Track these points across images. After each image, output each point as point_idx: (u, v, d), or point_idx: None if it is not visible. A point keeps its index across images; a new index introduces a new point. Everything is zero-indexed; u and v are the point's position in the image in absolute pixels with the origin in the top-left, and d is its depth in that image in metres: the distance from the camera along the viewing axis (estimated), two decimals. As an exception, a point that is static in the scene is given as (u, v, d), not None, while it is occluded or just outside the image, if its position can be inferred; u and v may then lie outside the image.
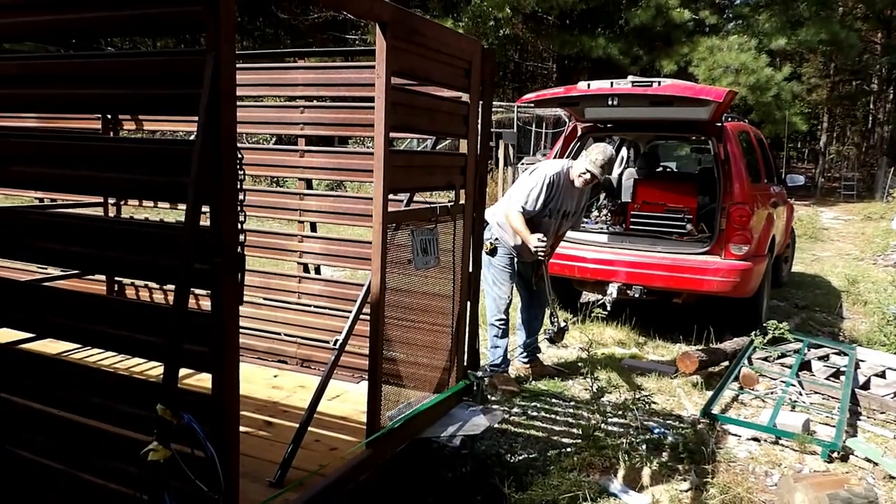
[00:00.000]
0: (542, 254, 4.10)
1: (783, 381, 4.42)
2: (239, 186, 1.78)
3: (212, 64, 1.64)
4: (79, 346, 3.24)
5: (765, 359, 4.86)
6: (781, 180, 7.36)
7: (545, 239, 4.06)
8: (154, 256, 1.83)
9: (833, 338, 5.80)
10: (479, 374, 3.39)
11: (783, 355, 4.90)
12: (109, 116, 3.91)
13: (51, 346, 3.03)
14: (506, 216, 4.16)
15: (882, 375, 4.59)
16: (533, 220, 4.16)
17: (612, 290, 5.34)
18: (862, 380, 4.47)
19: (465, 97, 2.99)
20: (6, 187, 4.08)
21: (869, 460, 3.45)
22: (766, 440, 3.67)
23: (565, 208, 4.26)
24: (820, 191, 25.85)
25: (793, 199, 8.50)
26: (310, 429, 2.60)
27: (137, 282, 4.10)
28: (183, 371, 1.77)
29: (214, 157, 1.67)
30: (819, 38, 21.67)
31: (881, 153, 28.17)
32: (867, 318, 6.51)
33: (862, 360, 4.79)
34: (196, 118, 1.66)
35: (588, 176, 4.09)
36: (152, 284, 4.07)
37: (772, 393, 4.34)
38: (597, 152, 4.07)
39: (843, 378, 4.42)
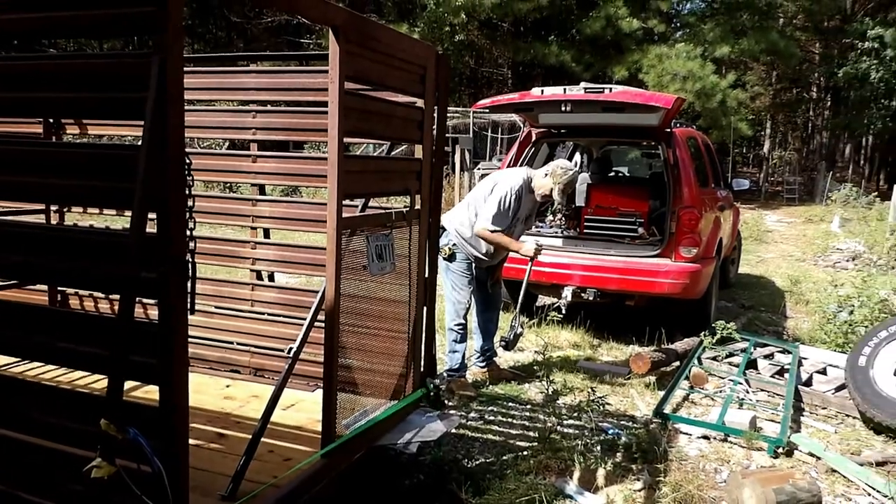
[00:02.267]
0: (535, 253, 4.24)
1: (731, 380, 4.56)
2: (188, 192, 1.74)
3: (158, 67, 1.60)
4: (18, 359, 3.11)
5: (714, 358, 4.99)
6: (728, 184, 7.59)
7: (535, 244, 4.23)
8: (98, 265, 1.77)
9: (777, 336, 6.01)
10: (437, 380, 3.39)
11: (731, 354, 5.05)
12: (52, 120, 3.78)
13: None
14: (490, 239, 4.19)
15: (823, 372, 4.78)
16: None
17: (567, 293, 5.41)
18: (805, 377, 4.63)
19: (420, 102, 2.99)
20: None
21: (812, 455, 3.58)
22: (715, 438, 3.77)
23: (523, 216, 4.33)
24: (764, 194, 26.77)
25: (739, 203, 8.79)
26: (263, 439, 2.55)
27: (82, 291, 3.96)
28: (132, 384, 1.71)
29: (161, 163, 1.63)
30: (760, 48, 22.57)
31: (820, 158, 29.39)
32: (809, 316, 6.77)
33: (805, 358, 4.97)
34: (142, 122, 1.62)
35: (549, 195, 4.23)
36: (98, 294, 3.94)
37: (721, 391, 4.46)
38: (563, 175, 4.17)
39: (787, 376, 4.58)
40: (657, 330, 5.46)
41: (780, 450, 3.58)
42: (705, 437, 3.79)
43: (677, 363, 4.90)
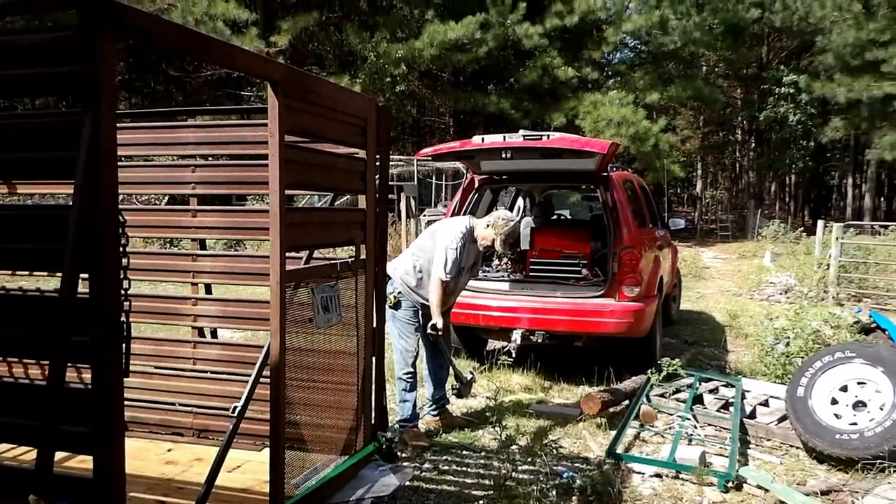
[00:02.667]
0: (432, 337, 4.24)
1: (679, 416, 4.63)
2: (122, 251, 1.69)
3: (90, 124, 1.57)
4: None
5: (661, 395, 5.07)
6: (665, 224, 7.86)
7: (440, 327, 4.18)
8: (26, 330, 1.69)
9: (721, 371, 6.16)
10: (389, 433, 3.33)
11: (678, 390, 5.14)
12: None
13: None
14: (415, 279, 4.20)
15: (766, 404, 4.91)
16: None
17: (517, 336, 5.44)
18: (748, 409, 4.75)
19: (363, 153, 3.02)
20: None
21: (761, 487, 3.65)
22: (667, 475, 3.81)
23: (467, 264, 4.36)
24: (699, 232, 27.85)
25: (676, 241, 9.10)
26: (208, 505, 2.43)
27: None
28: (64, 454, 1.62)
29: (93, 222, 1.58)
30: (687, 94, 23.91)
31: (749, 196, 30.92)
32: (749, 349, 6.98)
33: (747, 391, 5.11)
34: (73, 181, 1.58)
35: (492, 245, 4.28)
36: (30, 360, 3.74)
37: (670, 428, 4.52)
38: (505, 226, 4.22)
39: (732, 409, 4.68)
40: (606, 369, 5.52)
41: (730, 484, 3.64)
42: (657, 476, 3.81)
43: (626, 402, 4.96)
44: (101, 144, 1.57)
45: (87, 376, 1.66)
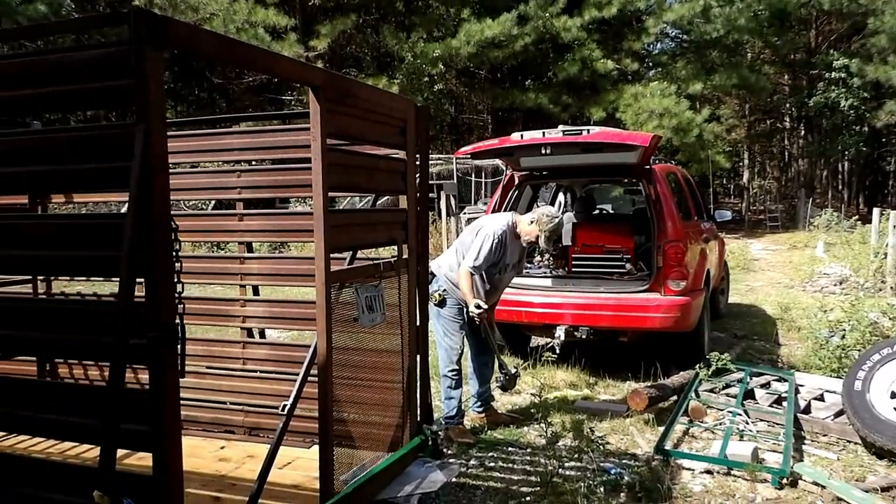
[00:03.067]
0: (478, 319, 4.19)
1: (730, 412, 4.53)
2: (175, 256, 1.75)
3: (142, 136, 1.64)
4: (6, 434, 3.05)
5: (711, 390, 4.97)
6: (711, 216, 7.69)
7: (484, 305, 4.16)
8: (87, 335, 1.77)
9: (772, 365, 6.00)
10: (434, 428, 3.35)
11: (728, 385, 5.04)
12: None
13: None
14: (458, 275, 4.21)
15: (821, 399, 4.77)
16: (483, 277, 4.25)
17: (560, 332, 5.41)
18: (803, 404, 4.62)
19: (402, 154, 3.05)
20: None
21: (817, 484, 3.55)
22: (718, 472, 3.73)
23: (511, 261, 4.36)
24: (747, 224, 27.12)
25: (723, 233, 8.89)
26: (261, 500, 2.50)
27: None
28: (123, 451, 1.69)
29: (147, 229, 1.65)
30: (731, 83, 23.28)
31: (799, 185, 29.95)
32: (802, 343, 6.78)
33: (801, 385, 4.97)
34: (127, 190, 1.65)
35: (535, 241, 4.25)
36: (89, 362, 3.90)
37: (720, 424, 4.43)
38: (549, 223, 4.18)
39: (785, 404, 4.56)
40: (652, 365, 5.45)
41: (785, 480, 3.55)
42: (708, 472, 3.75)
43: (674, 397, 4.88)
44: (152, 155, 1.64)
45: (146, 377, 1.73)
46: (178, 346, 1.73)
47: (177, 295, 1.75)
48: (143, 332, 1.65)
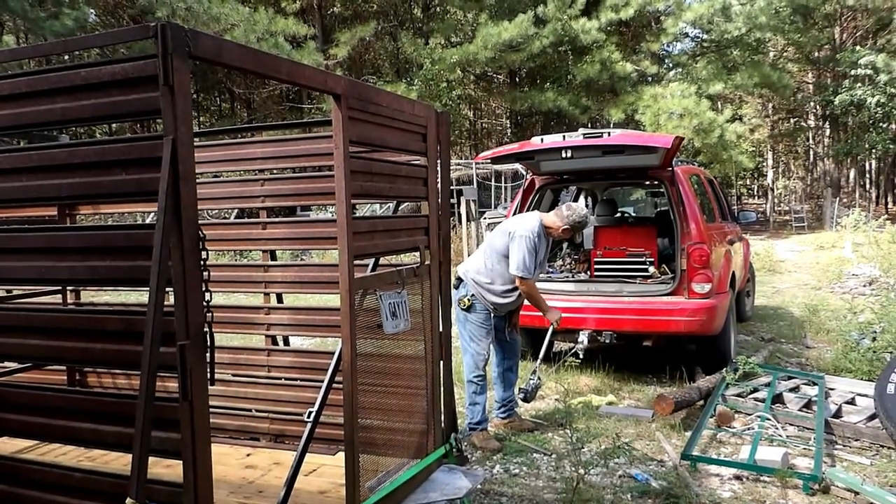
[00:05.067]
0: (557, 325, 4.51)
1: (758, 416, 4.46)
2: (203, 265, 1.77)
3: (170, 147, 1.66)
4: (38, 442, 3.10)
5: (738, 395, 4.90)
6: (735, 218, 7.60)
7: (559, 314, 4.48)
8: (118, 344, 1.79)
9: (801, 368, 5.90)
10: (459, 434, 3.34)
11: (755, 389, 4.96)
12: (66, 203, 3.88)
13: (6, 445, 2.89)
14: (526, 290, 4.28)
15: (852, 402, 4.67)
16: (511, 278, 4.27)
17: (583, 337, 5.37)
18: (833, 408, 4.53)
19: (423, 160, 3.05)
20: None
21: (850, 490, 3.47)
22: (747, 478, 3.67)
23: (541, 259, 4.41)
24: (773, 225, 26.73)
25: (748, 235, 8.77)
26: (287, 508, 2.51)
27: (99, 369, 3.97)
28: (152, 459, 1.71)
29: (176, 239, 1.67)
30: (754, 82, 22.97)
31: (825, 185, 29.44)
32: (831, 345, 6.65)
33: (831, 389, 4.87)
34: (155, 201, 1.67)
35: (563, 235, 4.40)
36: (116, 370, 3.95)
37: (748, 429, 4.36)
38: (573, 216, 4.29)
39: (815, 408, 4.48)
40: (677, 369, 5.38)
41: (816, 486, 3.48)
42: (737, 478, 3.69)
43: (701, 402, 4.81)
44: (180, 165, 1.66)
45: (171, 384, 1.75)
46: (207, 354, 1.75)
47: (205, 303, 1.77)
48: (173, 340, 1.67)
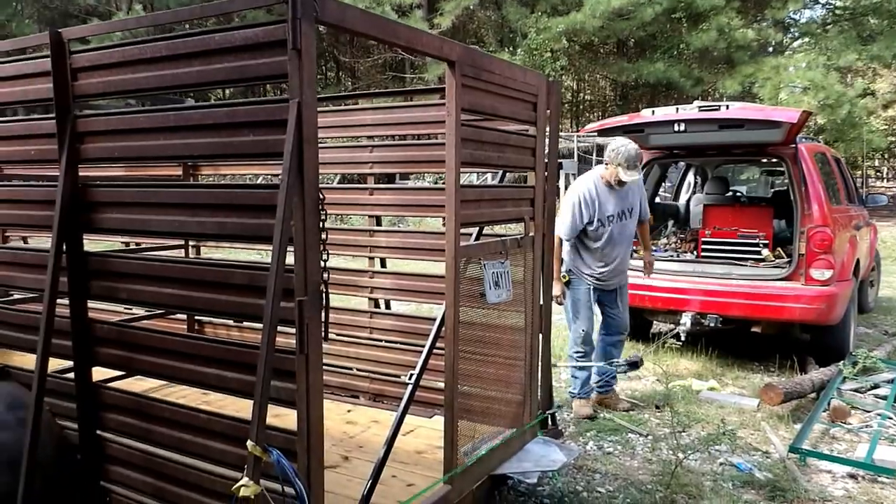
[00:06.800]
0: (556, 300, 4.22)
1: (878, 414, 4.15)
2: (321, 226, 1.84)
3: (296, 110, 1.72)
4: (163, 383, 3.36)
5: (856, 390, 4.58)
6: (862, 201, 7.02)
7: (558, 291, 4.23)
8: (241, 297, 1.90)
9: (930, 367, 5.42)
10: (555, 407, 3.34)
11: (875, 386, 4.62)
12: (191, 163, 4.14)
13: (136, 385, 3.15)
14: (554, 248, 4.16)
15: None
16: (589, 236, 4.18)
17: (686, 319, 5.18)
18: (967, 412, 4.15)
19: (532, 130, 3.00)
20: (115, 233, 4.33)
21: (983, 500, 3.19)
22: (863, 477, 3.44)
23: (615, 211, 4.20)
24: (903, 210, 24.45)
25: (875, 220, 8.08)
26: (386, 464, 2.60)
27: (215, 319, 4.25)
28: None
29: (299, 199, 1.74)
30: (893, 53, 20.81)
31: (968, 168, 26.51)
32: (967, 344, 6.06)
33: (966, 391, 4.45)
34: (280, 162, 1.74)
35: (620, 174, 4.07)
36: (230, 322, 4.21)
37: (867, 426, 4.08)
38: (617, 154, 4.05)
39: (945, 410, 4.12)
40: (788, 358, 5.09)
41: (943, 494, 3.22)
42: (852, 477, 3.47)
43: (813, 395, 4.54)
44: (305, 128, 1.72)
45: (284, 340, 1.83)
46: (323, 312, 1.82)
47: (322, 262, 1.84)
48: (292, 296, 1.75)
